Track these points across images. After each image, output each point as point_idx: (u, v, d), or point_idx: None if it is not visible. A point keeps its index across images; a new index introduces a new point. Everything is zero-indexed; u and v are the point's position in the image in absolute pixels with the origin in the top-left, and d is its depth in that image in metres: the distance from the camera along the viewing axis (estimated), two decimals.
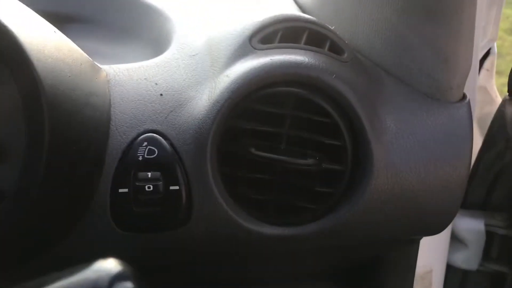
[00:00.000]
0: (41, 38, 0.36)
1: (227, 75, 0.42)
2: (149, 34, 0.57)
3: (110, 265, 0.19)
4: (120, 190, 0.38)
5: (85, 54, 0.43)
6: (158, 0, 0.61)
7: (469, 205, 0.64)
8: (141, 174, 0.38)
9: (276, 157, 0.40)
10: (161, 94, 0.43)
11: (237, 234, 0.41)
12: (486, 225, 0.63)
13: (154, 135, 0.40)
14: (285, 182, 0.41)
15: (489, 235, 0.63)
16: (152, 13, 0.58)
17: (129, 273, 0.19)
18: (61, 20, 0.59)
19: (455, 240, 0.65)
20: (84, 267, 0.20)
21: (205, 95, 0.41)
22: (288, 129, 0.41)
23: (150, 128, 0.40)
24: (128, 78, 0.45)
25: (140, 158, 0.39)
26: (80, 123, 0.37)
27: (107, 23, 0.62)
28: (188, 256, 0.45)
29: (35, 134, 0.33)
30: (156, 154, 0.39)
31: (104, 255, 0.34)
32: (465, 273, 0.67)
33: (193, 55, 0.48)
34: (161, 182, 0.38)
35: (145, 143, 0.39)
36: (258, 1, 0.64)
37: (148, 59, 0.49)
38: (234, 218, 0.40)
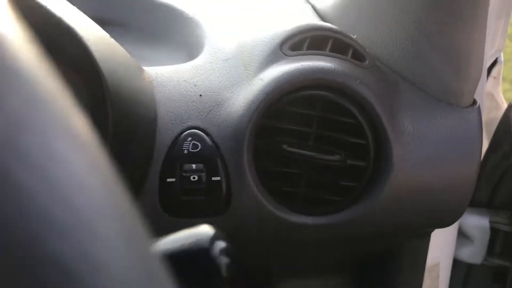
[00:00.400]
0: (104, 44, 0.41)
1: (261, 79, 0.46)
2: (180, 38, 0.62)
3: (206, 229, 0.24)
4: (168, 180, 0.43)
5: (131, 57, 0.47)
6: (185, 5, 0.65)
7: (475, 203, 0.68)
8: (187, 166, 0.43)
9: (307, 153, 0.45)
10: (200, 95, 0.47)
11: (269, 222, 0.45)
12: (490, 222, 0.67)
13: (197, 131, 0.44)
14: (313, 176, 0.46)
15: (494, 232, 0.68)
16: (182, 18, 0.63)
17: (223, 235, 0.23)
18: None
19: (462, 235, 0.70)
20: (182, 232, 0.25)
21: (241, 96, 0.46)
22: (316, 128, 0.46)
23: (193, 125, 0.45)
24: (169, 80, 0.49)
25: (186, 151, 0.43)
26: (135, 122, 0.41)
27: (138, 27, 0.67)
28: None
29: (99, 134, 0.38)
30: (199, 148, 0.44)
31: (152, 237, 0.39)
32: (470, 266, 0.71)
33: (226, 59, 0.52)
34: (204, 173, 0.43)
35: (190, 138, 0.44)
36: (280, 10, 0.69)
37: (181, 62, 0.53)
38: (267, 207, 0.45)
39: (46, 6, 0.39)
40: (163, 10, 0.65)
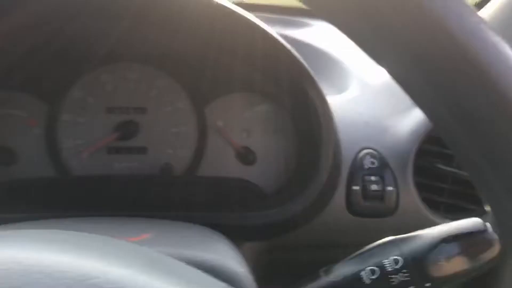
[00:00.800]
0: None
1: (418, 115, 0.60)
2: (324, 74, 0.75)
3: (477, 220, 0.37)
4: (353, 187, 0.56)
5: None
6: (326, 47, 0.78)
7: None
8: (367, 177, 0.56)
9: (454, 170, 0.58)
10: (367, 122, 0.61)
11: (424, 223, 0.58)
12: None
13: (372, 150, 0.58)
14: (455, 189, 0.59)
15: None
16: (326, 57, 0.76)
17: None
18: None
19: None
20: (460, 221, 0.37)
21: (404, 125, 0.59)
22: None
23: (367, 146, 0.58)
24: (337, 108, 0.62)
25: (366, 166, 0.57)
26: (337, 139, 0.55)
27: None
28: None
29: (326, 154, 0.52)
30: (375, 164, 0.57)
31: (338, 232, 0.52)
32: None
33: (377, 92, 0.65)
34: (381, 184, 0.56)
35: (368, 156, 0.57)
36: None
37: (331, 94, 0.66)
38: (424, 211, 0.58)
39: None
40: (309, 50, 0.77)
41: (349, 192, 0.56)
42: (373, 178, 0.56)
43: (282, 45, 0.52)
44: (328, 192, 0.55)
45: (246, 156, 0.60)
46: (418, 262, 0.35)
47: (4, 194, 0.57)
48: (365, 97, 0.65)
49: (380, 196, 0.56)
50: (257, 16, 0.52)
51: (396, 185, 0.57)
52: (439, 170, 0.59)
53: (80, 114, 0.60)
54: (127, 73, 0.60)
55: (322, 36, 0.81)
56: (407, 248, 0.35)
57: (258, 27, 0.52)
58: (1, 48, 0.55)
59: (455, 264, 0.35)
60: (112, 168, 0.60)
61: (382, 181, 0.56)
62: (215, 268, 0.33)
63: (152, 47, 0.60)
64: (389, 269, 0.34)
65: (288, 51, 0.52)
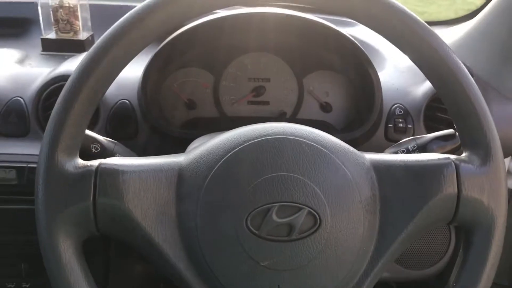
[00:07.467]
0: None
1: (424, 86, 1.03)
2: None
3: None
4: (389, 125, 0.99)
5: None
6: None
7: None
8: (397, 119, 1.00)
9: (447, 117, 1.01)
10: (397, 88, 1.04)
11: None
12: None
13: (400, 104, 1.01)
14: (446, 128, 1.02)
15: None
16: (368, 47, 1.19)
17: None
18: None
19: None
20: None
21: (419, 91, 1.02)
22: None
23: (397, 102, 1.02)
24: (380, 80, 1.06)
25: (396, 113, 1.00)
26: (381, 99, 0.99)
27: None
28: None
29: None
30: (402, 112, 1.00)
31: (377, 150, 0.97)
32: None
33: (401, 72, 1.09)
34: (404, 123, 0.99)
35: (398, 108, 1.00)
36: None
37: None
38: None
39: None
40: (358, 42, 1.21)
41: (386, 127, 1.00)
42: (400, 120, 1.00)
43: (351, 40, 0.96)
44: (376, 127, 0.99)
45: (326, 107, 1.04)
46: (424, 146, 0.79)
47: (190, 125, 1.02)
48: (395, 75, 1.08)
49: (404, 130, 1.00)
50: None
51: (413, 124, 1.00)
52: (438, 117, 1.02)
53: (232, 82, 1.04)
54: (259, 58, 1.04)
55: (364, 32, 1.24)
56: (419, 141, 0.80)
57: (334, 30, 0.95)
58: (189, 45, 0.99)
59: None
60: (250, 113, 1.04)
61: (405, 122, 1.00)
62: None
63: (273, 43, 1.04)
64: (410, 149, 0.79)
65: (355, 43, 0.95)
